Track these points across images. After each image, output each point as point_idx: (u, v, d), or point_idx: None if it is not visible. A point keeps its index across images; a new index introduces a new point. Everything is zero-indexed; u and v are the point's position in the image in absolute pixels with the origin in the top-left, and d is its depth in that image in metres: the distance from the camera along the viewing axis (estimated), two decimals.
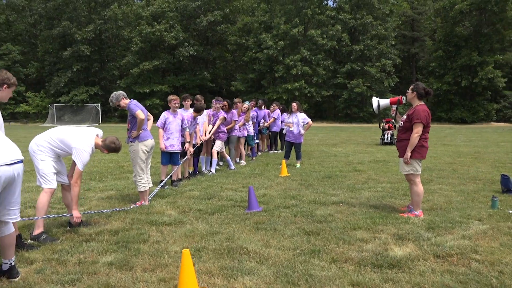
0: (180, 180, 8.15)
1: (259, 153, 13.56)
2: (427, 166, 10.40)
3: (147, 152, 6.10)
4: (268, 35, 44.18)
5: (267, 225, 5.09)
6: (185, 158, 8.24)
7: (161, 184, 7.08)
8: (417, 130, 5.25)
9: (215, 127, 9.46)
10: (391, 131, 17.33)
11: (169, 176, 7.71)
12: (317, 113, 47.38)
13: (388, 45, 46.17)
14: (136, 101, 6.30)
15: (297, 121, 10.38)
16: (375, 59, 45.77)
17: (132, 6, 49.62)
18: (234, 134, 10.30)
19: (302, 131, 10.36)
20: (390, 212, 5.67)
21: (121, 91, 6.27)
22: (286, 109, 14.78)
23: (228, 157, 9.85)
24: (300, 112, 10.53)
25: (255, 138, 12.55)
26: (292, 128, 10.34)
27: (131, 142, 6.11)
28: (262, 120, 13.12)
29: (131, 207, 6.00)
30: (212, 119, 9.70)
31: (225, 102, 10.16)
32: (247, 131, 11.49)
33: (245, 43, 46.31)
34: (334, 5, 49.19)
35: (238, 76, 48.01)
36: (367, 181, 8.25)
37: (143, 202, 6.17)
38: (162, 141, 7.42)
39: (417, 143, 5.28)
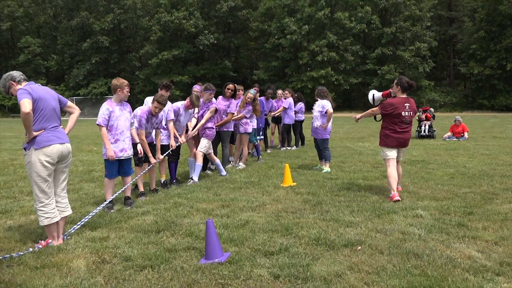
0: (142, 194, 5.99)
1: (268, 150, 11.24)
2: (482, 169, 7.81)
3: (50, 164, 3.92)
4: (291, 19, 41.46)
5: None
6: (150, 165, 6.06)
7: (102, 206, 4.90)
8: (374, 110, 6.00)
9: (203, 120, 7.24)
10: (429, 122, 14.61)
11: (121, 191, 5.54)
12: (345, 102, 44.44)
13: (423, 26, 42.55)
14: (39, 84, 4.15)
15: (314, 111, 8.05)
16: (408, 43, 42.29)
17: None
18: (226, 129, 8.02)
19: (319, 123, 7.95)
20: (444, 269, 3.28)
21: (11, 72, 4.12)
22: (302, 97, 12.39)
23: (217, 161, 7.60)
24: (322, 99, 8.14)
25: (261, 133, 10.25)
26: (313, 120, 8.09)
27: (24, 149, 3.96)
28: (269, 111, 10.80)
29: (29, 250, 3.87)
30: (199, 112, 7.48)
31: (229, 87, 7.96)
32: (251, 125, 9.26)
33: (268, 29, 43.75)
34: None
35: (260, 64, 45.55)
36: (401, 196, 5.81)
37: (50, 241, 4.01)
38: (109, 145, 5.23)
39: (382, 130, 5.95)
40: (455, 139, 13.62)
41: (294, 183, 6.82)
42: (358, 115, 6.43)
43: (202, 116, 7.40)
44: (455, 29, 48.21)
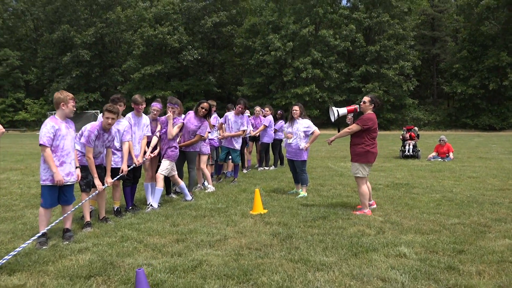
0: (88, 224, 5.19)
1: (245, 171, 10.54)
2: (470, 194, 7.22)
3: None
4: (276, 36, 41.27)
5: None
6: (97, 191, 5.28)
7: (30, 241, 4.08)
8: (351, 128, 5.95)
9: (172, 131, 6.51)
10: (413, 142, 14.10)
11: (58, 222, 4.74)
12: (329, 119, 43.96)
13: (406, 45, 42.86)
14: None
15: (297, 130, 7.33)
16: (392, 61, 42.42)
17: (135, 8, 47.34)
18: (192, 150, 7.28)
19: (304, 145, 7.24)
20: None
21: None
22: (283, 115, 11.76)
23: (182, 184, 6.84)
24: (303, 118, 7.43)
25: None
26: (290, 141, 7.32)
27: None
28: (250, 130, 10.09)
29: None
30: (160, 129, 6.74)
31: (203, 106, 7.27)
32: (215, 143, 8.58)
33: (252, 45, 43.48)
34: (348, 4, 45.99)
35: (244, 81, 45.11)
36: (382, 228, 5.13)
37: None
38: (56, 169, 4.46)
39: (360, 148, 5.88)
40: (440, 159, 13.12)
41: (265, 210, 6.09)
42: (332, 138, 6.28)
43: (165, 133, 6.66)
44: (438, 49, 48.71)
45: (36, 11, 48.00)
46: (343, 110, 6.12)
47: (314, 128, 7.31)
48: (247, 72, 47.14)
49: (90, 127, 5.19)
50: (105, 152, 5.45)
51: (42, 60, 47.86)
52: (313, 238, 4.74)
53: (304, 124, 7.29)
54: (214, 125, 8.63)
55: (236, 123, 8.50)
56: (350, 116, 6.15)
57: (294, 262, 3.93)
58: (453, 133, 37.19)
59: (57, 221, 4.60)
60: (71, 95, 4.67)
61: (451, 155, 13.27)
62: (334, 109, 6.16)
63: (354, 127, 5.90)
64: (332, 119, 6.22)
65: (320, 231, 5.04)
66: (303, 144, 7.21)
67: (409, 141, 14.10)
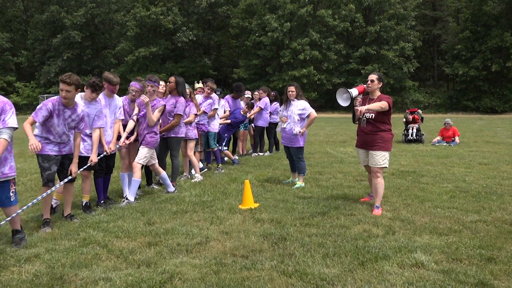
0: (46, 223, 4.41)
1: (236, 157, 9.74)
2: (486, 184, 6.46)
3: None
4: (273, 16, 40.01)
5: None
6: (64, 180, 4.50)
7: None
8: (383, 105, 4.86)
9: (152, 118, 5.70)
10: (417, 125, 13.32)
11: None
12: (327, 102, 43.21)
13: (407, 26, 41.67)
14: None
15: (291, 112, 6.51)
16: (392, 42, 41.33)
17: None
18: (174, 135, 6.48)
19: (299, 129, 6.42)
20: None
21: None
22: (278, 97, 10.94)
23: (163, 174, 6.06)
24: (299, 100, 6.58)
25: (224, 143, 8.72)
26: (285, 125, 6.52)
27: None
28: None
29: None
30: (138, 111, 5.91)
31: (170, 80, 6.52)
32: (205, 128, 7.78)
33: (248, 26, 42.22)
34: None
35: (241, 63, 43.98)
36: (392, 226, 4.38)
37: None
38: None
39: (389, 133, 5.12)
40: (445, 144, 12.37)
41: (256, 204, 5.34)
42: (365, 107, 4.83)
43: (143, 117, 5.85)
44: (439, 29, 47.49)
45: None
46: (354, 91, 5.09)
47: (310, 111, 6.48)
48: (244, 54, 45.96)
49: (45, 101, 4.37)
50: (72, 137, 4.62)
51: (33, 42, 46.47)
52: (311, 240, 3.98)
53: (299, 106, 6.46)
54: (205, 112, 7.74)
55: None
56: (359, 98, 5.18)
57: (288, 276, 3.18)
58: (454, 116, 36.39)
59: (2, 223, 3.82)
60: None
61: (457, 139, 12.51)
62: (350, 90, 5.04)
63: (384, 104, 4.87)
64: (343, 103, 5.08)
65: (319, 231, 4.28)
66: (297, 129, 6.41)
67: (413, 124, 13.32)
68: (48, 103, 4.27)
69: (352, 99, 5.02)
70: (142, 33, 43.91)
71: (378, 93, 5.16)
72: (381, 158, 5.03)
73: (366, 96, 5.21)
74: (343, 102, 5.07)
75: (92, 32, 45.64)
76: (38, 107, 4.30)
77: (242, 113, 8.75)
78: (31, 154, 3.93)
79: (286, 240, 4.00)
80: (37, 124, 4.35)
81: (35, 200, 4.20)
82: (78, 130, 4.60)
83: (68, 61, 44.03)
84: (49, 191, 4.30)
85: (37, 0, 46.80)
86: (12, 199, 3.91)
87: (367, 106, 4.85)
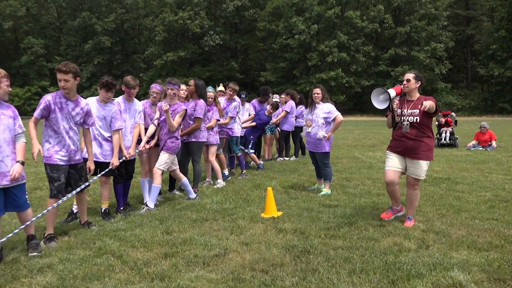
0: (51, 238, 4.19)
1: (261, 162, 9.51)
2: None
3: None
4: (300, 18, 39.67)
5: None
6: (85, 184, 4.37)
7: None
8: (432, 105, 4.30)
9: (173, 123, 5.56)
10: (450, 128, 12.74)
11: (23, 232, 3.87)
12: (356, 105, 42.49)
13: (439, 26, 40.46)
14: None
15: (316, 116, 6.24)
16: (423, 43, 40.19)
17: None
18: (195, 140, 6.32)
19: (324, 133, 6.14)
20: None
21: None
22: (303, 100, 10.69)
23: (184, 180, 5.90)
24: (325, 102, 6.29)
25: (250, 146, 8.50)
26: (310, 129, 6.26)
27: None
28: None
29: None
30: (159, 116, 5.78)
31: (190, 86, 6.35)
32: (231, 132, 7.60)
33: (275, 29, 42.04)
34: None
35: (268, 66, 43.83)
36: (425, 239, 4.05)
37: None
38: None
39: (432, 140, 4.63)
40: (481, 148, 11.76)
41: (279, 213, 5.09)
42: (424, 107, 4.17)
43: (164, 121, 5.71)
44: (473, 29, 45.88)
45: None
46: (392, 92, 4.49)
47: (336, 114, 6.18)
48: (271, 57, 45.81)
49: (46, 95, 4.22)
50: (77, 142, 4.33)
51: (66, 48, 47.84)
52: (336, 254, 3.71)
53: (324, 109, 6.19)
54: (233, 117, 7.58)
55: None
56: (397, 100, 4.62)
57: None
58: (489, 118, 34.97)
59: (16, 231, 3.73)
60: (3, 71, 3.68)
61: (494, 143, 11.88)
62: (388, 90, 4.44)
63: (430, 104, 4.25)
64: (379, 105, 4.47)
65: (345, 243, 4.00)
66: (322, 133, 6.13)
67: (446, 127, 12.75)
68: (46, 97, 4.11)
69: (390, 101, 4.45)
70: (170, 38, 44.46)
71: (417, 94, 4.65)
72: (424, 168, 4.57)
73: (403, 98, 4.69)
74: (379, 104, 4.49)
75: (121, 37, 46.57)
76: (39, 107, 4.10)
77: (266, 113, 8.55)
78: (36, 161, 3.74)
79: (310, 253, 3.74)
80: (44, 133, 4.20)
81: (45, 211, 4.05)
82: (87, 125, 4.44)
83: (99, 66, 45.06)
84: (60, 202, 4.14)
85: (69, 7, 48.13)
86: (28, 202, 3.94)
87: (425, 104, 4.17)
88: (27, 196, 3.93)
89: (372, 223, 4.62)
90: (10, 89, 3.82)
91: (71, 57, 47.89)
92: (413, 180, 4.61)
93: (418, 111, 4.49)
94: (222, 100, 7.54)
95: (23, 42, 45.60)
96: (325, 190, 6.30)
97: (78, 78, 4.15)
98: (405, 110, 4.57)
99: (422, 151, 4.51)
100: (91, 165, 4.49)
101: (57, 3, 48.60)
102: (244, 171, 7.86)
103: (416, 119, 4.52)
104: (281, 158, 10.13)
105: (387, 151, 4.84)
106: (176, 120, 5.59)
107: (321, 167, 6.40)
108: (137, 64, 47.88)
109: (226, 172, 7.52)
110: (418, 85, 4.61)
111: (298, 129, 10.21)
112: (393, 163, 4.70)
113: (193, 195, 5.97)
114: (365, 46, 40.82)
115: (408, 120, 4.55)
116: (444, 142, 12.46)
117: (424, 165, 4.55)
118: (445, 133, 12.57)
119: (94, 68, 44.73)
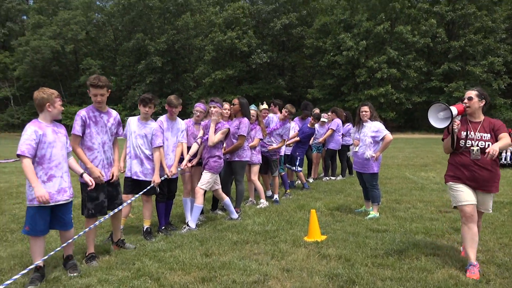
0: (92, 257, 4.21)
1: (311, 180, 9.29)
2: None
3: None
4: (348, 34, 39.15)
5: None
6: (121, 205, 4.39)
7: (22, 273, 3.26)
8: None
9: (213, 140, 5.52)
10: (511, 148, 11.86)
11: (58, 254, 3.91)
12: (407, 122, 41.00)
13: (496, 39, 38.33)
14: None
15: (364, 135, 6.01)
16: (479, 57, 38.22)
17: (205, 14, 48.05)
18: (238, 159, 6.24)
19: (371, 153, 5.88)
20: None
21: None
22: (350, 117, 10.41)
23: (227, 200, 5.82)
24: (373, 121, 6.07)
25: (298, 162, 8.29)
26: (357, 148, 6.03)
27: None
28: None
29: None
30: (202, 134, 5.77)
31: (234, 105, 6.29)
32: (277, 152, 7.44)
33: (323, 45, 41.72)
34: None
35: (315, 83, 43.52)
36: (485, 273, 3.66)
37: None
38: (37, 183, 3.56)
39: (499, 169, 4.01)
40: None
41: (323, 237, 4.86)
42: (494, 149, 3.59)
43: (207, 140, 5.68)
44: None
45: (115, 22, 50.53)
46: (454, 110, 3.89)
47: (385, 133, 5.89)
48: (318, 74, 45.47)
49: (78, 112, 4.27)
50: (111, 157, 4.35)
51: (121, 68, 50.16)
52: (384, 285, 3.43)
53: (372, 128, 5.92)
54: (286, 139, 7.52)
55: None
56: (457, 119, 3.98)
57: None
58: None
59: (57, 249, 3.76)
60: (56, 92, 3.77)
61: None
62: (450, 107, 3.85)
63: (506, 140, 3.79)
64: (438, 124, 3.91)
65: (394, 274, 3.70)
66: (369, 153, 5.84)
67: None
68: (81, 112, 4.13)
69: (452, 120, 3.84)
70: (219, 57, 45.38)
71: (481, 115, 4.04)
72: (492, 200, 4.08)
73: (464, 118, 4.08)
74: (437, 122, 3.92)
75: (172, 57, 48.17)
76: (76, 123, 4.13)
77: (309, 126, 8.33)
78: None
79: (355, 284, 3.49)
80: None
81: (81, 233, 4.06)
82: (118, 135, 4.51)
83: (150, 85, 46.77)
84: (97, 223, 4.16)
85: (125, 29, 50.60)
86: (72, 221, 4.00)
87: (497, 145, 3.66)
88: (72, 215, 3.98)
89: (425, 252, 4.28)
90: (63, 108, 3.93)
91: (125, 77, 50.21)
92: (480, 214, 4.11)
93: (489, 135, 3.89)
94: (274, 119, 7.44)
95: (82, 63, 48.30)
96: (373, 213, 5.97)
97: (109, 90, 4.22)
98: (472, 133, 3.95)
99: (495, 182, 3.96)
100: (115, 172, 4.38)
101: (114, 26, 51.28)
102: (288, 190, 7.67)
103: (488, 144, 3.88)
104: (327, 178, 9.85)
105: (452, 182, 4.03)
106: (217, 136, 5.54)
107: (368, 189, 6.10)
108: (187, 83, 49.21)
109: (269, 192, 7.39)
110: (481, 104, 4.01)
111: (345, 147, 9.91)
112: (469, 196, 3.92)
113: (235, 215, 5.86)
114: (416, 61, 39.50)
115: (478, 145, 3.90)
116: (505, 162, 11.61)
117: (492, 197, 4.08)
118: (506, 153, 11.72)
119: (146, 87, 46.45)
